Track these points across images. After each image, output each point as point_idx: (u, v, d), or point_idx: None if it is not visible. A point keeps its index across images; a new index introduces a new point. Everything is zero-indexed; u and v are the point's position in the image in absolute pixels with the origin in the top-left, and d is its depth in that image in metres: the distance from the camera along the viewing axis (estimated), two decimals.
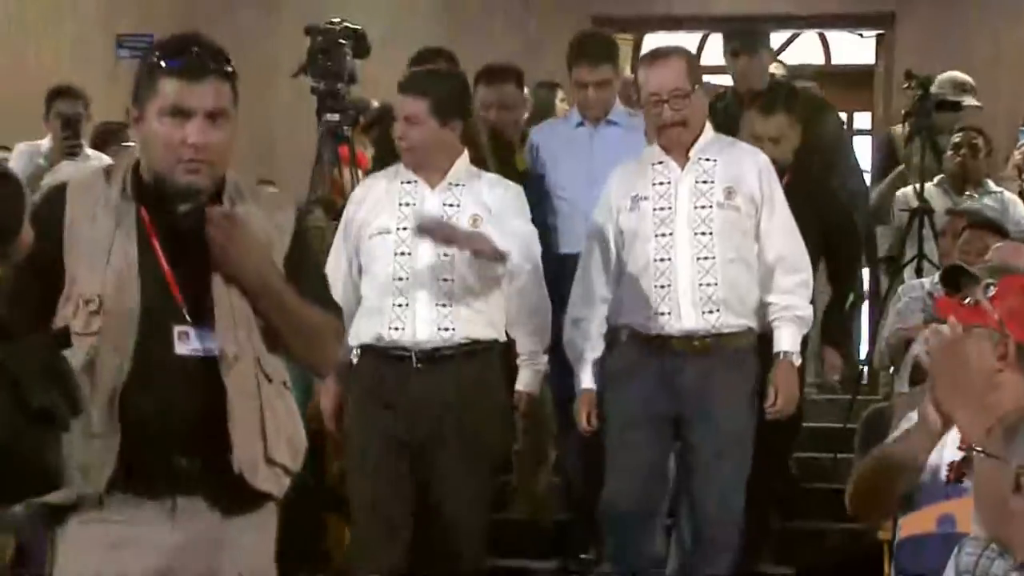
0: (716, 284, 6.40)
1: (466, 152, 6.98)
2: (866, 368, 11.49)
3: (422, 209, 6.53)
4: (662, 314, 6.47)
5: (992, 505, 4.42)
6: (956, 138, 11.32)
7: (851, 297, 8.71)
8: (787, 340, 6.52)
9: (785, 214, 6.65)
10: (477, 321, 6.55)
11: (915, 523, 5.64)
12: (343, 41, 9.84)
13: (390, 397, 6.46)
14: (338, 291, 6.04)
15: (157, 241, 4.65)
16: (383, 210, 6.58)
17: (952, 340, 5.47)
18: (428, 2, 16.20)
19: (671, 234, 6.42)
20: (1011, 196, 11.36)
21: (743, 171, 6.58)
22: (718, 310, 6.43)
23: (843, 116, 14.27)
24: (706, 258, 6.39)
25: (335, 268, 6.54)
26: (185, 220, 4.65)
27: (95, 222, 4.66)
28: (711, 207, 6.41)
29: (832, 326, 8.59)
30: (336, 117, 9.91)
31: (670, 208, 6.41)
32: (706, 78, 14.10)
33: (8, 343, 4.36)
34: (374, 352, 6.36)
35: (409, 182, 6.64)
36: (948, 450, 5.33)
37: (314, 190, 9.54)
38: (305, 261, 4.95)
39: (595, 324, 6.78)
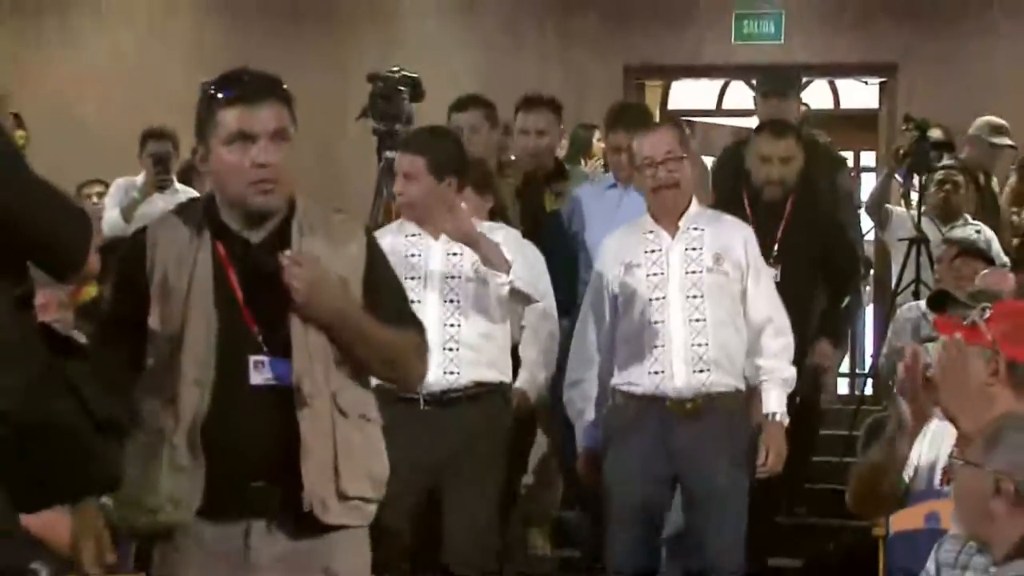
0: (707, 345, 6.39)
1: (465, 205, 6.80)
2: (870, 380, 11.77)
3: (427, 261, 6.55)
4: (656, 373, 6.43)
5: (972, 507, 4.72)
6: (939, 176, 11.53)
7: (846, 300, 8.75)
8: (775, 402, 6.51)
9: (768, 281, 6.70)
10: (482, 364, 6.48)
11: (904, 520, 5.80)
12: (401, 88, 9.61)
13: (402, 437, 5.93)
14: None
15: (233, 274, 4.63)
16: (395, 251, 6.26)
17: (955, 355, 5.69)
18: (470, 51, 16.03)
19: (664, 298, 6.41)
20: (989, 231, 11.25)
21: (730, 240, 6.56)
22: (709, 370, 6.39)
23: (850, 154, 14.86)
24: (698, 320, 6.40)
25: None
26: (259, 251, 4.63)
27: (174, 262, 4.64)
28: (701, 272, 6.42)
29: (826, 323, 8.55)
30: (394, 155, 9.05)
31: (662, 274, 6.41)
32: (725, 120, 14.56)
33: (77, 361, 4.43)
34: (385, 394, 5.77)
35: (414, 235, 6.61)
36: (944, 452, 5.55)
37: (374, 219, 9.34)
38: (382, 281, 4.84)
39: (592, 384, 6.72)
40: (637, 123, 8.10)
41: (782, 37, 15.89)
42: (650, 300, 6.34)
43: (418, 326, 4.94)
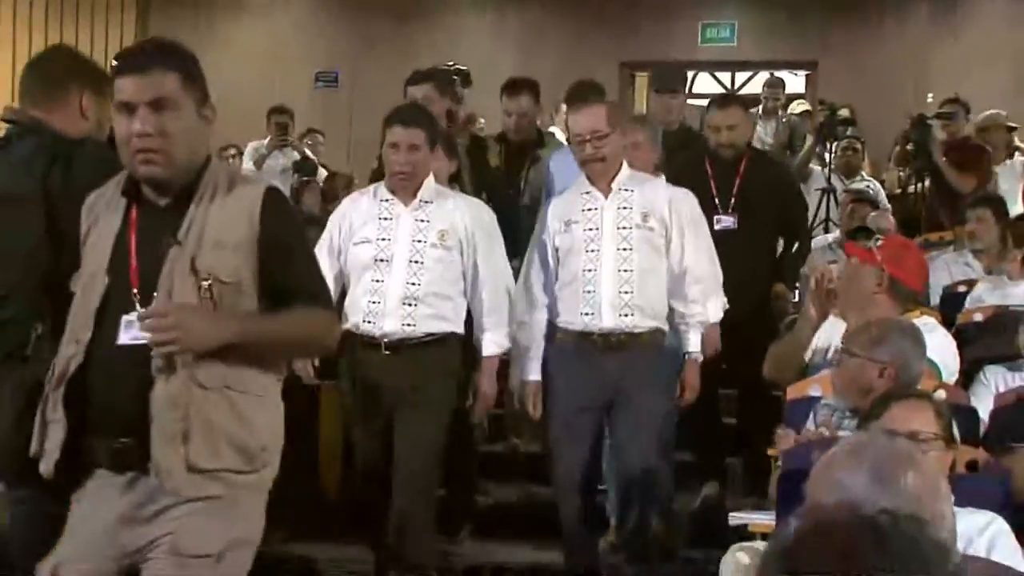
0: (632, 292, 5.79)
1: (432, 174, 6.10)
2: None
3: (398, 224, 5.83)
4: (587, 314, 5.85)
5: (856, 386, 4.90)
6: (844, 143, 11.90)
7: (796, 246, 8.00)
8: (693, 342, 5.96)
9: (691, 236, 6.00)
10: (436, 318, 5.81)
11: (797, 390, 5.86)
12: (455, 76, 9.37)
13: (366, 373, 5.81)
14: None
15: (134, 237, 3.84)
16: (365, 223, 5.84)
17: (853, 271, 6.07)
18: (503, 47, 15.49)
19: (598, 250, 5.82)
20: (876, 184, 11.90)
21: (656, 200, 5.94)
22: (632, 314, 5.80)
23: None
24: (626, 270, 5.80)
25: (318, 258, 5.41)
26: (165, 214, 3.83)
27: (99, 224, 3.94)
28: (631, 228, 5.82)
29: (783, 268, 7.86)
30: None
31: (597, 229, 5.82)
32: (694, 101, 14.23)
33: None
34: (353, 338, 5.71)
35: (386, 200, 5.87)
36: (835, 341, 5.64)
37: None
38: (281, 244, 3.89)
39: (536, 325, 6.08)
40: (585, 98, 7.31)
41: (735, 41, 16.01)
42: (586, 251, 5.85)
43: (326, 298, 4.16)
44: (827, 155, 11.70)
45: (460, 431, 6.36)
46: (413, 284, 5.69)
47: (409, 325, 5.69)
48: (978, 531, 3.84)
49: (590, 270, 5.77)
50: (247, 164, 12.05)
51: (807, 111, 13.35)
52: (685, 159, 7.76)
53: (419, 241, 5.73)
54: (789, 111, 13.18)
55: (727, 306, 6.50)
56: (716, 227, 6.94)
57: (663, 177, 6.76)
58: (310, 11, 16.71)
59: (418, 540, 5.78)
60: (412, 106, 6.11)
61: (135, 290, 3.73)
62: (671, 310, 5.98)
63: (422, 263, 5.72)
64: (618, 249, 5.77)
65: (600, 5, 15.42)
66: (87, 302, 3.81)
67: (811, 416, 5.38)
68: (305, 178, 11.78)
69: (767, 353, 6.17)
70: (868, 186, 11.55)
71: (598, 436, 6.05)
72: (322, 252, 5.63)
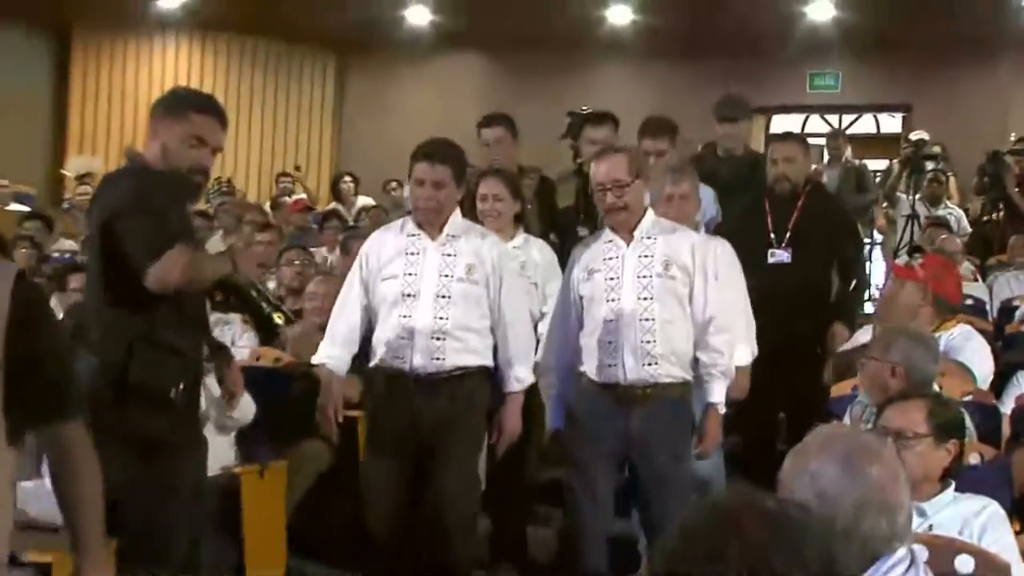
0: (654, 342, 4.93)
1: (458, 208, 5.44)
2: None
3: (424, 258, 5.06)
4: (610, 366, 4.97)
5: (875, 385, 4.82)
6: (930, 175, 11.60)
7: (854, 283, 7.06)
8: (716, 393, 5.07)
9: (713, 283, 5.13)
10: (465, 352, 5.04)
11: (839, 388, 5.84)
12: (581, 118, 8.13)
13: (393, 410, 5.07)
14: (346, 313, 5.16)
15: None
16: (392, 258, 5.08)
17: (897, 287, 6.10)
18: (640, 90, 14.97)
19: (618, 299, 4.97)
20: (959, 212, 11.69)
21: (679, 248, 5.04)
22: (656, 363, 4.94)
23: (885, 161, 13.93)
24: (647, 319, 4.94)
25: (346, 295, 5.21)
26: None
27: None
28: (651, 277, 4.96)
29: (839, 307, 6.84)
30: None
31: (617, 278, 4.98)
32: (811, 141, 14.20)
33: None
34: (384, 371, 5.05)
35: (413, 235, 5.09)
36: None
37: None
38: (33, 336, 2.84)
39: (558, 372, 5.28)
40: (655, 131, 6.75)
41: (839, 88, 15.82)
42: (607, 300, 5.01)
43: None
44: (911, 186, 11.42)
45: (508, 460, 5.62)
46: (441, 319, 4.99)
47: (438, 359, 4.98)
48: (974, 514, 3.86)
49: (611, 320, 4.94)
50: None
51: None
52: (746, 197, 6.91)
53: (446, 276, 5.02)
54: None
55: (755, 353, 5.75)
56: (770, 260, 6.47)
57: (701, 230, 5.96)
58: (480, 70, 16.59)
59: (457, 570, 5.04)
60: (440, 142, 5.17)
61: None
62: (696, 359, 5.09)
63: (449, 297, 5.00)
64: (639, 298, 4.94)
65: (722, 56, 14.94)
66: None
67: (848, 411, 5.32)
68: None
69: (829, 365, 6.20)
70: (949, 213, 11.39)
71: (610, 483, 5.07)
72: (352, 287, 5.16)
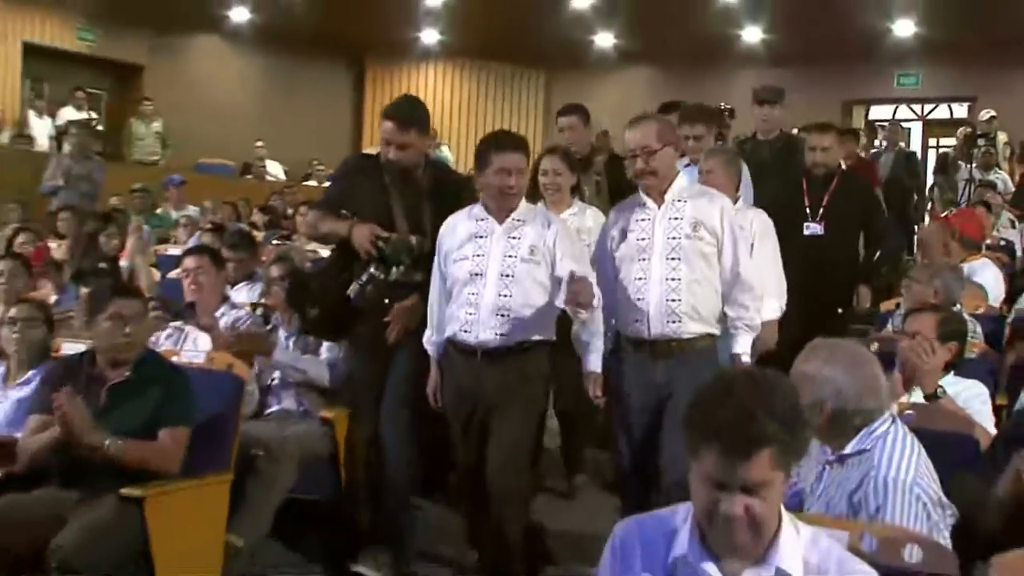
0: (679, 300, 4.06)
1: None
2: None
3: (491, 241, 4.16)
4: (637, 321, 4.12)
5: (917, 303, 4.55)
6: (983, 149, 11.27)
7: (878, 253, 6.20)
8: (741, 344, 4.20)
9: (741, 244, 4.22)
10: (527, 329, 4.11)
11: (886, 305, 5.86)
12: (724, 111, 7.81)
13: (463, 379, 4.18)
14: (434, 296, 4.27)
15: None
16: (463, 241, 4.20)
17: (933, 228, 6.20)
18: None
19: (648, 259, 4.11)
20: (1006, 176, 11.36)
21: (709, 211, 4.14)
22: (680, 321, 4.07)
23: (953, 139, 12.99)
24: (673, 279, 4.07)
25: (433, 276, 4.30)
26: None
27: None
28: (680, 238, 4.10)
29: (864, 271, 6.04)
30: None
31: (648, 239, 4.12)
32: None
33: None
34: (453, 345, 4.19)
35: (482, 219, 4.20)
36: None
37: None
38: None
39: (593, 323, 4.10)
40: (692, 119, 5.81)
41: (919, 84, 15.62)
42: (638, 260, 4.14)
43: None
44: (969, 156, 11.32)
45: (578, 399, 4.69)
46: (505, 295, 4.12)
47: (502, 335, 4.12)
48: (964, 388, 3.84)
49: (640, 279, 4.12)
50: None
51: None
52: (786, 175, 6.10)
53: (511, 256, 4.14)
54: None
55: (783, 308, 5.03)
56: (805, 232, 5.78)
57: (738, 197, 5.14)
58: (649, 79, 16.12)
59: (506, 536, 4.18)
60: (514, 134, 4.36)
61: None
62: (725, 315, 4.26)
63: (513, 276, 4.12)
64: (667, 259, 4.10)
65: (831, 63, 14.81)
66: None
67: (890, 322, 5.33)
68: None
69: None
70: (998, 177, 11.13)
71: (654, 430, 4.17)
72: (435, 274, 4.30)
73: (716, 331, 4.15)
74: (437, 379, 4.27)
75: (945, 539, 2.55)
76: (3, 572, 3.36)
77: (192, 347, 4.73)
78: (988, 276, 6.13)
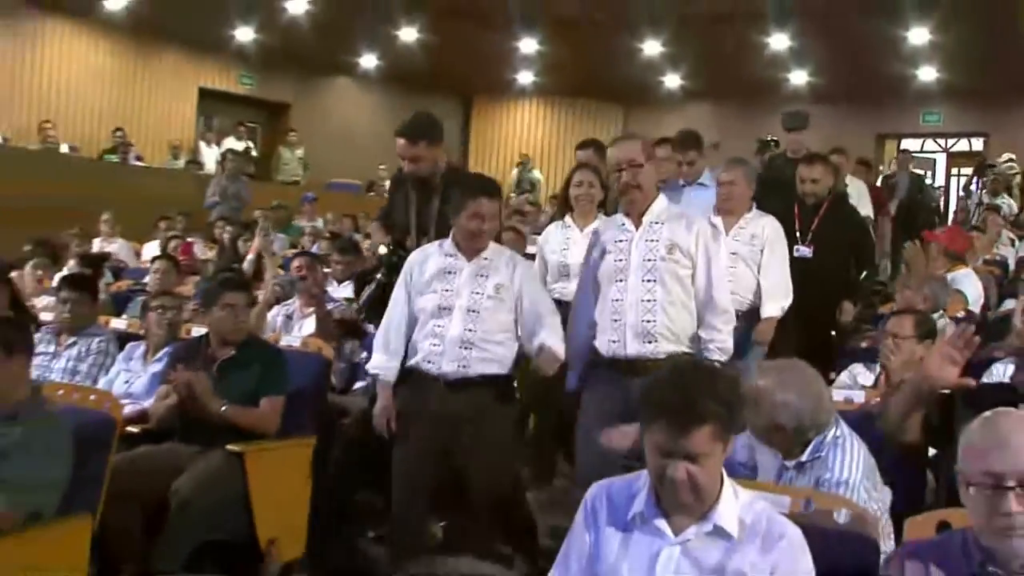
0: (654, 321, 3.49)
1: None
2: None
3: (460, 277, 3.65)
4: (614, 341, 3.52)
5: (910, 306, 4.39)
6: (991, 178, 11.11)
7: (865, 273, 5.63)
8: None
9: (716, 267, 3.58)
10: (488, 362, 3.60)
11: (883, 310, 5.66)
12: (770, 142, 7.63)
13: (423, 408, 3.62)
14: (394, 319, 3.70)
15: None
16: (432, 275, 3.68)
17: (920, 249, 5.63)
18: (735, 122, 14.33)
19: (624, 280, 3.54)
20: (1011, 201, 10.92)
21: (684, 234, 3.54)
22: (655, 341, 3.49)
23: (970, 169, 13.00)
24: (649, 300, 3.50)
25: (395, 303, 3.76)
26: None
27: None
28: (655, 260, 3.52)
29: (850, 289, 5.41)
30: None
31: (625, 260, 3.56)
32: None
33: None
34: (415, 373, 3.67)
35: (450, 255, 3.70)
36: None
37: None
38: None
39: (575, 341, 3.65)
40: (684, 145, 5.48)
41: (941, 121, 15.40)
42: (615, 281, 3.57)
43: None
44: (979, 185, 11.21)
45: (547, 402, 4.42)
46: (471, 330, 3.62)
47: (464, 367, 3.61)
48: None
49: (617, 299, 3.55)
50: None
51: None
52: (780, 203, 5.38)
53: (477, 293, 3.66)
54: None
55: (784, 309, 4.65)
56: (795, 254, 5.15)
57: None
58: (710, 113, 15.60)
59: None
60: (490, 181, 3.80)
61: None
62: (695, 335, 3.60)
63: (478, 313, 3.64)
64: (643, 280, 3.53)
65: (866, 103, 14.77)
66: None
67: (883, 324, 4.60)
68: None
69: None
70: (1004, 202, 10.80)
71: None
72: (398, 297, 3.78)
73: (692, 351, 3.53)
74: (390, 404, 3.67)
75: (874, 511, 2.52)
76: (136, 507, 3.47)
77: (297, 332, 4.88)
78: (968, 283, 5.92)
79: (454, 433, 3.59)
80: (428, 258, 3.75)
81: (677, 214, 3.65)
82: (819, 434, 2.66)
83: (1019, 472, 1.73)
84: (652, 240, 3.57)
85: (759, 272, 4.66)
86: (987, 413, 1.89)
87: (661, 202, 3.64)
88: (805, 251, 5.37)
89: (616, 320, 3.55)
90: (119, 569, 3.42)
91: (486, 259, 3.71)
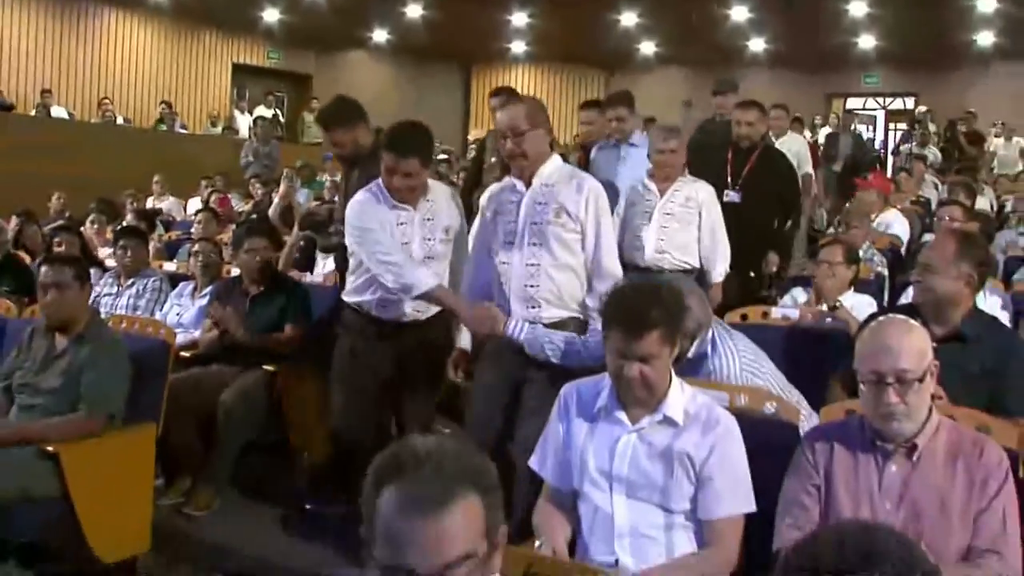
0: (538, 286, 2.89)
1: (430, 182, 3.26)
2: None
3: (412, 228, 3.15)
4: (500, 305, 2.91)
5: (853, 240, 4.45)
6: (920, 131, 10.88)
7: (788, 224, 5.02)
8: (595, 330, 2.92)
9: (604, 231, 2.93)
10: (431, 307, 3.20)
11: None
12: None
13: (373, 345, 3.26)
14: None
15: None
16: (385, 228, 3.08)
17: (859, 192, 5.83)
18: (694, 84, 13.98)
19: (512, 243, 2.93)
20: (935, 151, 10.74)
21: (574, 196, 2.89)
22: (539, 306, 2.90)
23: (905, 124, 12.91)
24: (533, 264, 2.90)
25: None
26: None
27: None
28: (542, 223, 2.89)
29: (775, 240, 4.84)
30: None
31: (514, 222, 2.93)
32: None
33: None
34: (358, 315, 3.31)
35: (397, 207, 3.10)
36: None
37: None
38: None
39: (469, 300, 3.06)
40: (615, 103, 4.92)
41: (879, 82, 15.22)
42: (504, 243, 2.97)
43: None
44: (912, 138, 10.94)
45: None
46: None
47: (418, 311, 3.27)
48: (858, 301, 3.70)
49: (505, 263, 2.98)
50: None
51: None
52: (713, 148, 5.03)
53: (429, 240, 3.22)
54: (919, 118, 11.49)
55: (727, 271, 4.28)
56: (724, 200, 4.55)
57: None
58: (683, 79, 14.99)
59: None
60: (403, 136, 3.14)
61: None
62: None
63: (435, 258, 3.23)
64: (529, 244, 2.94)
65: (813, 65, 14.53)
66: None
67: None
68: None
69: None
70: (929, 151, 10.58)
71: (509, 407, 2.93)
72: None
73: (579, 315, 2.97)
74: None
75: (795, 401, 2.49)
76: (191, 420, 3.62)
77: (320, 270, 4.95)
78: (897, 224, 6.00)
79: (400, 365, 3.31)
80: (379, 211, 3.18)
81: (569, 174, 3.00)
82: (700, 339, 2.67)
83: (896, 370, 1.82)
84: (541, 203, 2.96)
85: (698, 236, 4.21)
86: (874, 322, 1.97)
87: (553, 163, 3.00)
88: (734, 196, 4.82)
89: (504, 284, 2.99)
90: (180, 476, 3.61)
91: (429, 200, 3.25)
